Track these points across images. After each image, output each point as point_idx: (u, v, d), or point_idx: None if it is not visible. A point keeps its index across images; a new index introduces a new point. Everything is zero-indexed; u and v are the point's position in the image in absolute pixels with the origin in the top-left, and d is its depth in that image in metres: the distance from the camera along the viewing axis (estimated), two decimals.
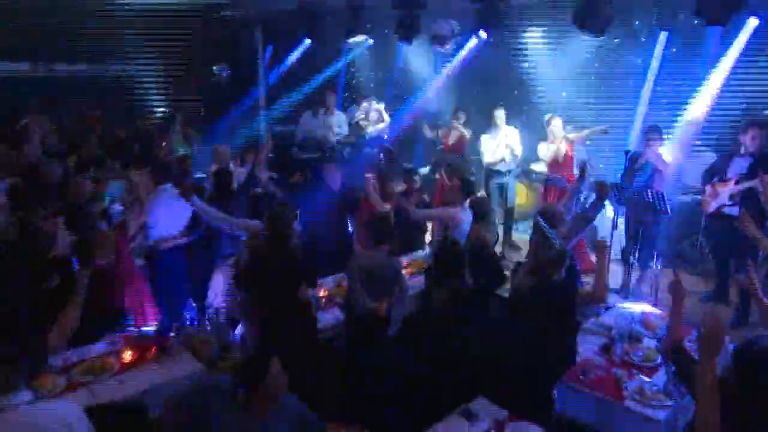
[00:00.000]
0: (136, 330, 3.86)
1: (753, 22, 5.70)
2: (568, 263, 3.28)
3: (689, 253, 5.91)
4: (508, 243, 6.83)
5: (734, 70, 6.07)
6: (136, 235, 4.77)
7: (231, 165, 6.16)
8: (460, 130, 7.31)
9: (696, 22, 5.73)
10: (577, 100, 7.82)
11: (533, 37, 8.05)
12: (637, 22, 7.31)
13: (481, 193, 6.36)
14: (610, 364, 3.45)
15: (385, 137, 8.50)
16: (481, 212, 4.69)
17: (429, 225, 5.95)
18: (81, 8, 9.47)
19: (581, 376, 3.31)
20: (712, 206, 4.90)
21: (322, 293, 4.51)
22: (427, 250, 5.45)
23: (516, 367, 3.34)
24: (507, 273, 4.28)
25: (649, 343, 3.67)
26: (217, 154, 6.24)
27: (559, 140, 6.31)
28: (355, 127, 8.73)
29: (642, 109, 7.00)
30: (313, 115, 8.14)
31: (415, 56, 9.02)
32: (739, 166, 4.73)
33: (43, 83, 9.85)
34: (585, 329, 3.85)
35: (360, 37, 8.08)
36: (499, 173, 6.74)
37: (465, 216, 4.81)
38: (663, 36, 6.65)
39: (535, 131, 7.18)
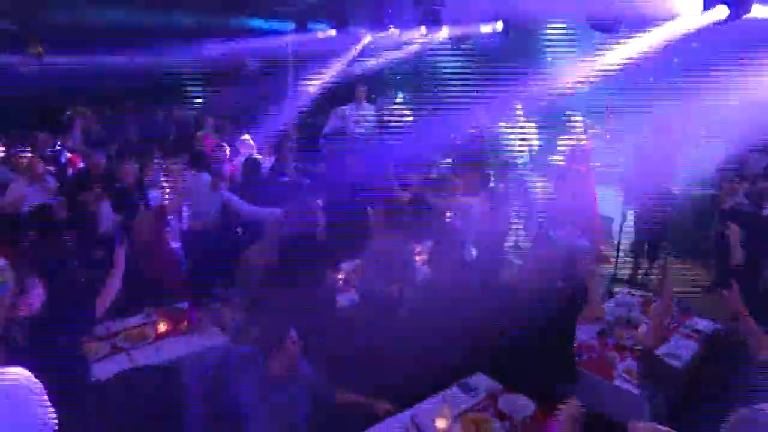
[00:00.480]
0: (170, 305, 4.24)
1: None
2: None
3: (700, 246, 6.00)
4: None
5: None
6: (172, 219, 5.18)
7: (259, 155, 6.51)
8: None
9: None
10: (598, 94, 7.90)
11: (554, 31, 8.14)
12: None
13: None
14: (604, 347, 3.68)
15: None
16: (494, 204, 4.94)
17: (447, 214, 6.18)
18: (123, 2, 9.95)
19: (576, 357, 3.54)
20: (727, 203, 4.97)
21: (340, 276, 4.82)
22: None
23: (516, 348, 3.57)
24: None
25: (645, 329, 3.86)
26: (243, 144, 6.60)
27: (578, 136, 6.44)
28: (381, 119, 8.98)
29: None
30: (341, 118, 8.40)
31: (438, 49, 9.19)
32: (756, 163, 4.80)
33: (87, 76, 10.40)
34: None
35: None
36: (516, 166, 6.92)
37: (479, 206, 5.06)
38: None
39: (554, 125, 7.32)
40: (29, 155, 5.80)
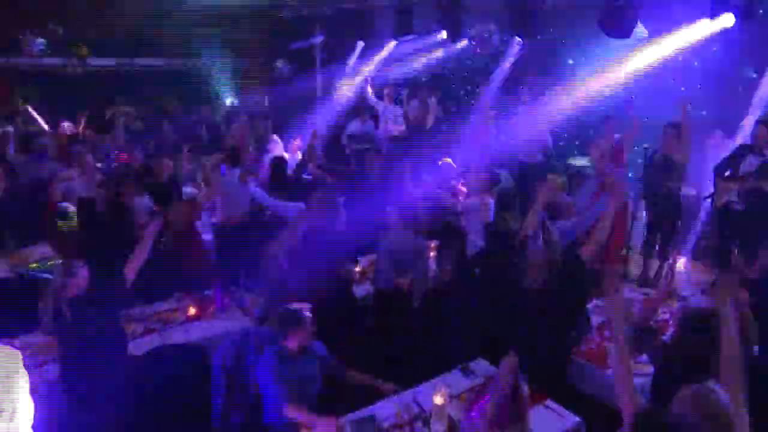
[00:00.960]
0: (199, 291, 4.60)
1: None
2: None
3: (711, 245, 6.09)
4: None
5: None
6: (204, 212, 5.57)
7: (287, 153, 6.87)
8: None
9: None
10: (620, 96, 8.00)
11: (576, 33, 8.24)
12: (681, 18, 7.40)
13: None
14: (603, 339, 3.88)
15: None
16: (504, 202, 5.15)
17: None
18: (160, 8, 10.48)
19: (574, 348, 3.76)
20: (721, 201, 5.10)
21: (358, 269, 5.12)
22: None
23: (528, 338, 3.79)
24: None
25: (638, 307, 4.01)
26: (273, 143, 6.97)
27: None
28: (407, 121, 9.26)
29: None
30: (361, 123, 8.70)
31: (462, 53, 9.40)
32: (750, 163, 4.92)
33: (128, 76, 11.00)
34: (587, 309, 4.27)
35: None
36: (531, 166, 7.10)
37: (491, 205, 5.29)
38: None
39: (574, 126, 7.46)
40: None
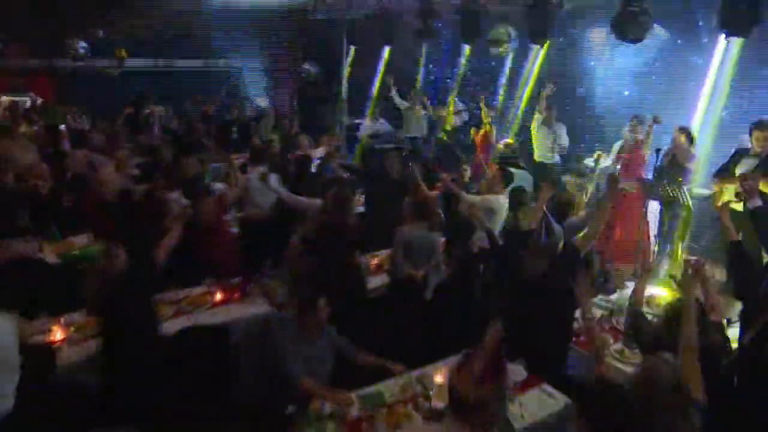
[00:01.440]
0: (226, 278, 4.94)
1: None
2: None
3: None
4: None
5: None
6: (232, 207, 5.93)
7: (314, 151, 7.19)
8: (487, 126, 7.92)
9: None
10: (639, 100, 8.10)
11: (595, 37, 8.38)
12: (700, 23, 7.48)
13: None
14: (602, 330, 4.07)
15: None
16: (516, 201, 5.37)
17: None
18: (195, 11, 10.98)
19: (574, 338, 3.96)
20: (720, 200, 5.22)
21: (375, 261, 5.41)
22: None
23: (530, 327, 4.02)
24: None
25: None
26: (299, 142, 7.31)
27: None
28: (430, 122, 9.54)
29: (700, 110, 7.20)
30: (372, 122, 8.97)
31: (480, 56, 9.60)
32: (746, 165, 5.02)
33: (164, 76, 11.53)
34: (603, 302, 4.47)
35: None
36: (546, 167, 7.28)
37: (504, 203, 5.52)
38: (722, 38, 6.80)
39: (593, 129, 7.60)
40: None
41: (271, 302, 4.57)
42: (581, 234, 4.10)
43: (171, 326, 4.10)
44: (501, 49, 7.44)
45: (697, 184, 6.10)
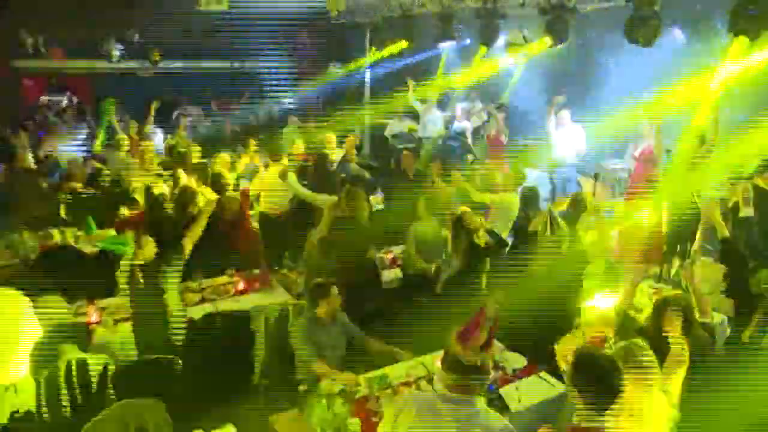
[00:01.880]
0: (248, 269, 5.23)
1: None
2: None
3: None
4: None
5: None
6: (253, 203, 6.24)
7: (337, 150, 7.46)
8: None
9: None
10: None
11: (614, 39, 8.43)
12: (719, 26, 7.51)
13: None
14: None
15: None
16: (527, 199, 5.56)
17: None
18: (224, 15, 11.36)
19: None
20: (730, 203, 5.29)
21: (390, 256, 5.64)
22: None
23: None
24: None
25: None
26: (326, 140, 7.61)
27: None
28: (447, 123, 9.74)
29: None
30: (399, 122, 9.21)
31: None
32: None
33: (194, 77, 11.98)
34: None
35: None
36: (563, 167, 7.41)
37: (516, 201, 5.70)
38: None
39: (610, 131, 7.67)
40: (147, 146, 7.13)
41: (289, 292, 4.86)
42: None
43: (196, 311, 4.41)
44: (517, 53, 7.59)
45: (710, 186, 6.16)
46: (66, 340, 3.56)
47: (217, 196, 5.35)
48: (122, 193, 6.16)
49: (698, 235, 5.91)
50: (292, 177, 5.52)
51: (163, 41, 11.30)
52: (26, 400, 2.83)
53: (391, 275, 5.32)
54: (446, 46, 8.88)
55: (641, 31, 5.58)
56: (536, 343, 3.96)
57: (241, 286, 4.89)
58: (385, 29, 9.71)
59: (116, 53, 10.37)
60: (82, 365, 3.35)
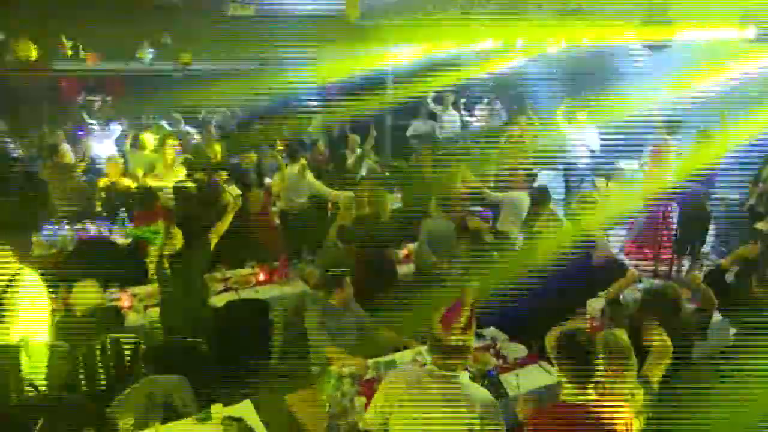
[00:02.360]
0: (269, 261, 5.51)
1: None
2: None
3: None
4: None
5: None
6: (276, 200, 6.55)
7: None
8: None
9: None
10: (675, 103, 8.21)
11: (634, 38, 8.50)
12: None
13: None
14: (603, 321, 4.38)
15: None
16: (537, 198, 5.73)
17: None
18: (248, 19, 11.74)
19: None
20: (747, 205, 5.40)
21: (405, 251, 5.88)
22: None
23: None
24: None
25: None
26: (350, 140, 7.90)
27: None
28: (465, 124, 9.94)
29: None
30: (423, 122, 9.45)
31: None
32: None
33: (222, 79, 12.37)
34: (600, 295, 4.79)
35: None
36: (577, 167, 7.54)
37: (526, 199, 5.89)
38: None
39: (628, 132, 7.80)
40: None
41: (306, 283, 5.13)
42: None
43: (219, 300, 4.72)
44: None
45: (725, 188, 6.25)
46: (101, 322, 3.90)
47: (241, 193, 5.68)
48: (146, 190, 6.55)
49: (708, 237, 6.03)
50: (309, 175, 5.80)
51: (194, 44, 11.70)
52: (36, 364, 3.25)
53: (404, 269, 5.57)
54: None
55: (653, 34, 5.70)
56: (537, 333, 4.16)
57: (261, 277, 5.18)
58: (406, 30, 9.93)
59: (149, 56, 10.80)
60: (116, 344, 3.66)
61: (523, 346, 4.02)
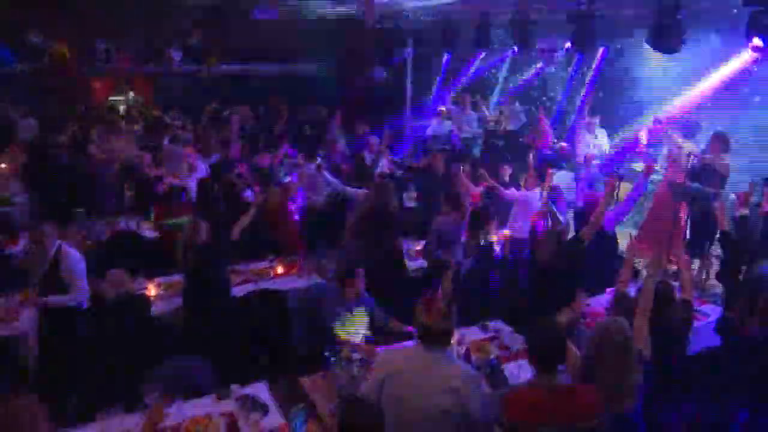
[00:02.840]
0: (287, 255, 5.77)
1: None
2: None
3: None
4: None
5: None
6: (296, 197, 6.82)
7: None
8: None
9: None
10: (696, 106, 8.26)
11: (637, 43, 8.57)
12: None
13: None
14: (608, 313, 4.53)
15: None
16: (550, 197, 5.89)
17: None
18: (275, 23, 12.09)
19: (582, 319, 4.46)
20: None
21: (417, 248, 6.08)
22: None
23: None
24: None
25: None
26: (369, 141, 8.14)
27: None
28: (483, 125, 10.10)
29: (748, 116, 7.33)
30: (438, 124, 9.66)
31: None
32: None
33: (249, 80, 12.76)
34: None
35: None
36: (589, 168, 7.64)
37: (537, 198, 6.05)
38: None
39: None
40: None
41: (322, 276, 5.37)
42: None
43: (239, 290, 4.99)
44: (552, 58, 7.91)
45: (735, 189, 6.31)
46: (129, 307, 4.19)
47: (262, 190, 5.96)
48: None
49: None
50: (325, 173, 6.06)
51: (220, 47, 12.11)
52: None
53: (416, 265, 5.78)
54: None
55: (665, 39, 5.81)
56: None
57: (280, 270, 5.44)
58: (427, 34, 10.15)
59: (176, 58, 11.22)
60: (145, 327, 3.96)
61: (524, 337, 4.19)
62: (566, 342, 2.70)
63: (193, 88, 12.15)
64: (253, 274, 5.36)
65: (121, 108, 12.19)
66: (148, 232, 6.21)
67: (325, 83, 13.60)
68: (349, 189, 5.98)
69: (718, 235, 4.05)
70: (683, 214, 6.20)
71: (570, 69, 9.45)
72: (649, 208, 6.72)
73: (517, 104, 10.50)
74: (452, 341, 3.92)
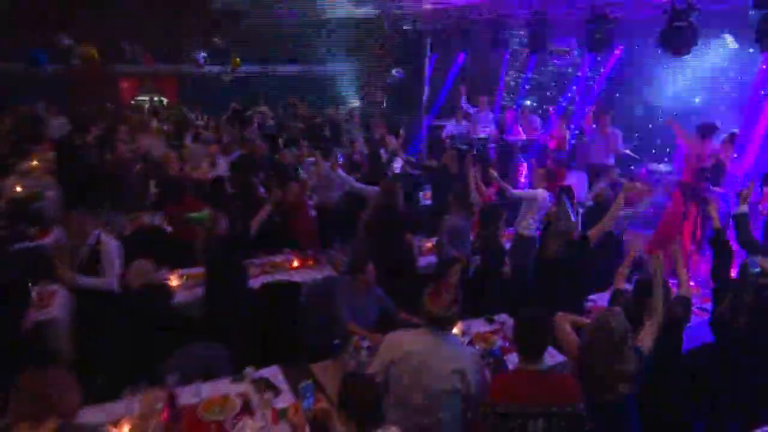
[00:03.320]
0: (302, 249, 5.98)
1: None
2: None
3: None
4: None
5: None
6: (312, 193, 7.04)
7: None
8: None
9: None
10: (710, 106, 8.28)
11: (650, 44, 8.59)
12: None
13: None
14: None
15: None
16: (557, 197, 6.00)
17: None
18: (296, 24, 12.36)
19: (587, 313, 4.59)
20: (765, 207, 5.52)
21: (429, 245, 6.25)
22: None
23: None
24: None
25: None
26: (387, 142, 8.33)
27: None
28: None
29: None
30: (456, 123, 9.80)
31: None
32: None
33: (270, 80, 13.05)
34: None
35: None
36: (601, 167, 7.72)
37: (547, 197, 6.16)
38: None
39: (660, 134, 7.92)
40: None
41: (335, 270, 5.58)
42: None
43: (256, 282, 5.21)
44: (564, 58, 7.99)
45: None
46: (153, 297, 4.43)
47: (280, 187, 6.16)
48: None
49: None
50: (340, 171, 6.26)
51: (243, 48, 12.42)
52: None
53: (427, 261, 5.95)
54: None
55: (675, 41, 5.86)
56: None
57: (295, 263, 5.66)
58: (444, 36, 10.30)
59: (200, 59, 11.55)
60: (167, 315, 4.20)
61: None
62: (548, 332, 2.86)
63: (216, 88, 12.48)
64: (269, 266, 5.58)
65: (146, 107, 12.58)
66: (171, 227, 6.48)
67: (344, 84, 13.87)
68: (362, 186, 6.17)
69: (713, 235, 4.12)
70: (693, 213, 6.27)
71: (584, 69, 9.54)
72: (663, 211, 6.78)
73: (528, 104, 10.60)
74: (456, 329, 4.12)
